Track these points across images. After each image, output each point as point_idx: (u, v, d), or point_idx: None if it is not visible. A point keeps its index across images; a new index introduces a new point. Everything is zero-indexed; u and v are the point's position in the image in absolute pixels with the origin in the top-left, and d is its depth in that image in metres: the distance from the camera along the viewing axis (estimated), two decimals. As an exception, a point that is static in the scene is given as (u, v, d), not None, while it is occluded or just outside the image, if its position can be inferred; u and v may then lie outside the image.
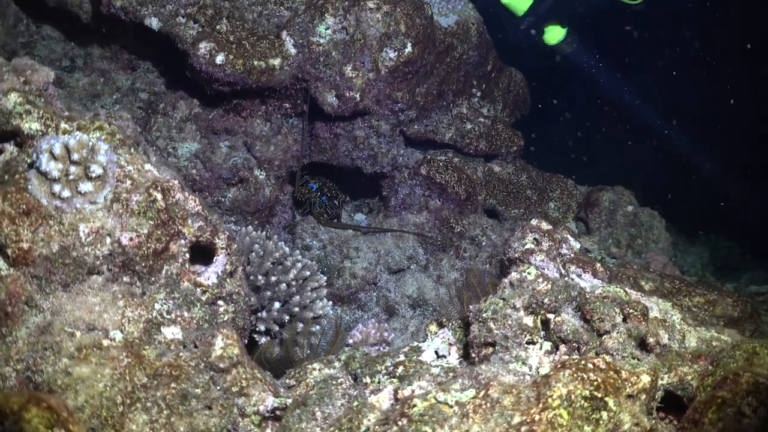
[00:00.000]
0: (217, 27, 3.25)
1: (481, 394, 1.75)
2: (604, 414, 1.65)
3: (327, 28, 3.31)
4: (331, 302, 2.89)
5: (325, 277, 2.95)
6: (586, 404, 1.65)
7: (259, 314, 2.64)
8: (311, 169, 3.84)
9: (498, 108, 4.16)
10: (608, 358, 1.88)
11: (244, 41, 3.24)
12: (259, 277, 2.69)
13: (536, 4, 3.49)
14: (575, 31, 3.89)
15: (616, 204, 3.94)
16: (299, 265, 2.86)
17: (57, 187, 2.09)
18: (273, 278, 2.71)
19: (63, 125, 2.30)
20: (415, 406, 1.74)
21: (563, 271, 2.55)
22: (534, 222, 2.72)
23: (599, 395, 1.67)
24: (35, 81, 2.39)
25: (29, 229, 1.97)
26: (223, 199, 3.45)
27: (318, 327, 2.72)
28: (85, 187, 2.13)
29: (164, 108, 3.58)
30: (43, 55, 4.10)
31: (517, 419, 1.64)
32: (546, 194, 3.97)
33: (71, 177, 2.11)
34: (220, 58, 3.11)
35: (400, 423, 1.70)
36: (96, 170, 2.15)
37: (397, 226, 3.76)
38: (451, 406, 1.75)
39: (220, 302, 2.36)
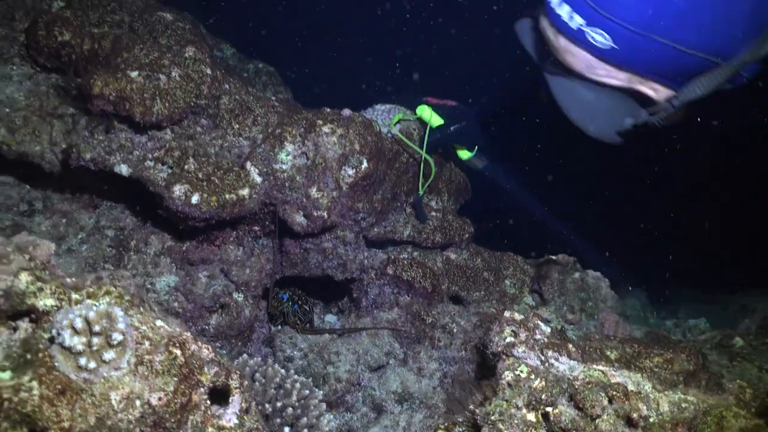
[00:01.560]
0: (185, 167, 3.46)
1: (510, 496, 2.00)
2: (618, 497, 1.93)
3: (288, 155, 3.59)
4: (331, 415, 3.06)
5: (321, 392, 3.14)
6: (601, 491, 1.92)
7: (273, 442, 2.79)
8: (284, 282, 4.04)
9: (444, 198, 4.53)
10: (606, 442, 2.17)
11: (212, 176, 3.46)
12: (267, 405, 2.84)
13: (444, 127, 3.95)
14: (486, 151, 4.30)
15: (564, 273, 4.35)
16: (297, 385, 3.03)
17: (83, 360, 2.22)
18: (279, 404, 2.87)
19: (74, 296, 2.44)
20: None
21: (543, 358, 2.87)
22: (507, 315, 3.04)
23: (610, 481, 1.95)
24: (39, 256, 2.52)
25: (67, 408, 2.08)
26: (207, 327, 3.58)
27: (327, 443, 2.89)
28: (109, 355, 2.27)
29: (136, 245, 3.72)
30: None
31: None
32: (500, 273, 4.33)
33: (94, 348, 2.25)
34: (195, 199, 3.31)
35: None
36: (117, 337, 2.29)
37: (371, 325, 4.00)
38: None
39: (243, 440, 2.50)
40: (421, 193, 3.94)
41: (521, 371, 2.48)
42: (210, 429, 2.42)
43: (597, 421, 2.30)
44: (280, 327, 4.05)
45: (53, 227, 4.02)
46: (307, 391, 3.01)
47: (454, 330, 3.95)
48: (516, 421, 2.30)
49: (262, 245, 3.82)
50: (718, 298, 6.28)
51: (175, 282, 3.59)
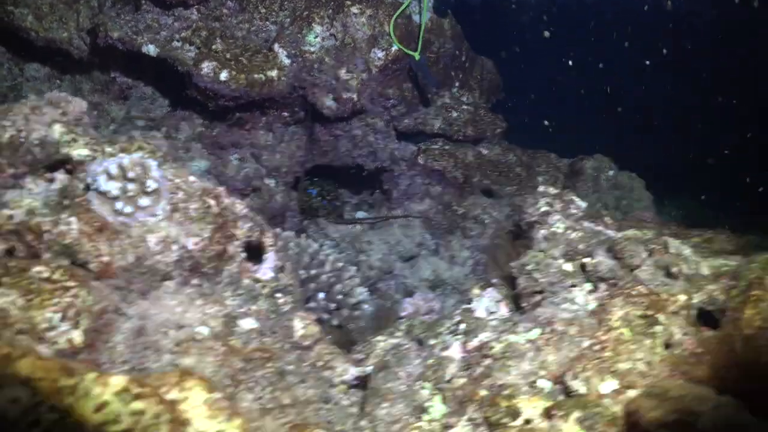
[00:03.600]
0: (213, 47, 3.41)
1: (547, 330, 1.99)
2: (658, 327, 1.90)
3: (316, 36, 3.51)
4: (366, 288, 3.07)
5: (355, 267, 3.15)
6: (641, 322, 1.90)
7: (307, 305, 2.81)
8: (314, 172, 4.02)
9: (476, 95, 4.43)
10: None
11: (240, 57, 3.41)
12: (301, 271, 2.86)
13: None
14: None
15: (598, 170, 4.25)
16: (332, 257, 3.04)
17: (119, 205, 2.22)
18: (313, 271, 2.88)
19: (108, 149, 2.43)
20: (492, 348, 1.95)
21: (578, 227, 2.82)
22: (541, 188, 2.98)
23: (650, 313, 1.93)
24: (71, 111, 2.52)
25: (106, 244, 2.10)
26: (238, 210, 3.59)
27: (361, 311, 2.90)
28: (144, 201, 2.27)
29: (167, 131, 3.71)
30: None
31: (586, 342, 1.88)
32: (533, 169, 4.25)
33: (130, 194, 2.25)
34: (223, 75, 3.26)
35: (484, 363, 1.91)
36: (151, 185, 2.29)
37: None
38: (523, 344, 1.98)
39: (278, 294, 2.51)
40: (417, 55, 3.77)
41: (558, 227, 2.44)
42: (246, 280, 2.43)
43: (636, 271, 2.26)
44: (310, 220, 4.05)
45: (84, 119, 4.03)
46: (341, 264, 3.02)
47: (486, 220, 3.92)
48: (552, 270, 2.27)
49: (292, 132, 3.79)
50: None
51: (207, 166, 3.58)
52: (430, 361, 2.10)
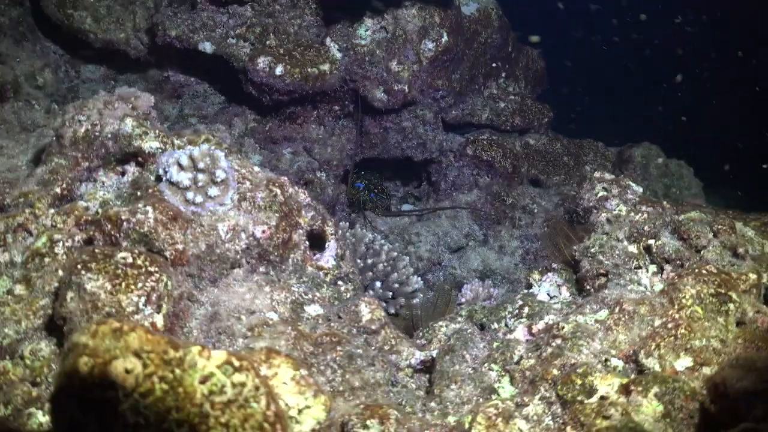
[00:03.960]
0: (267, 42, 3.48)
1: (616, 310, 1.99)
2: (731, 305, 1.89)
3: (367, 30, 3.55)
4: (420, 277, 3.11)
5: (408, 258, 3.18)
6: (714, 300, 1.89)
7: (366, 293, 2.85)
8: (364, 164, 4.07)
9: (521, 85, 4.42)
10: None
11: (293, 52, 3.47)
12: (358, 261, 2.91)
13: None
14: None
15: (647, 158, 4.21)
16: (386, 247, 3.08)
17: (190, 194, 2.30)
18: (369, 260, 2.93)
19: (176, 141, 2.52)
20: (563, 328, 1.97)
21: (639, 210, 2.80)
22: (598, 174, 2.97)
23: (723, 291, 1.92)
24: (140, 106, 2.61)
25: (180, 232, 2.17)
26: (292, 203, 3.66)
27: (417, 299, 2.94)
28: (214, 191, 2.34)
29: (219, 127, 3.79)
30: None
31: (658, 321, 1.88)
32: (581, 158, 4.23)
33: (200, 184, 2.32)
34: (279, 70, 3.33)
35: (554, 343, 1.92)
36: (220, 175, 2.36)
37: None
38: (592, 325, 1.99)
39: (340, 282, 2.57)
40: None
41: (620, 210, 2.44)
42: (309, 268, 2.49)
43: (702, 252, 2.25)
44: (358, 213, 4.10)
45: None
46: (395, 254, 3.06)
47: (535, 210, 3.91)
48: (617, 252, 2.28)
49: (342, 126, 3.84)
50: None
51: (260, 160, 3.66)
52: (496, 344, 2.12)
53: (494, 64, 4.25)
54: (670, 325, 1.82)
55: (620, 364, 1.81)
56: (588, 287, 2.31)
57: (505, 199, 3.97)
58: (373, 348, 2.16)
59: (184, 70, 3.95)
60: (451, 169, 4.01)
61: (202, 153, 2.38)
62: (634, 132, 5.02)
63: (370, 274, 2.89)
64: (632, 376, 1.73)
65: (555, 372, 1.80)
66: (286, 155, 3.64)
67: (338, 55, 3.54)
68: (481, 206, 3.98)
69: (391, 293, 2.89)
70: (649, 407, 1.52)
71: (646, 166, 4.21)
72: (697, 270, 1.99)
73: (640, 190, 3.00)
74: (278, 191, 2.42)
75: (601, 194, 2.84)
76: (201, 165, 2.36)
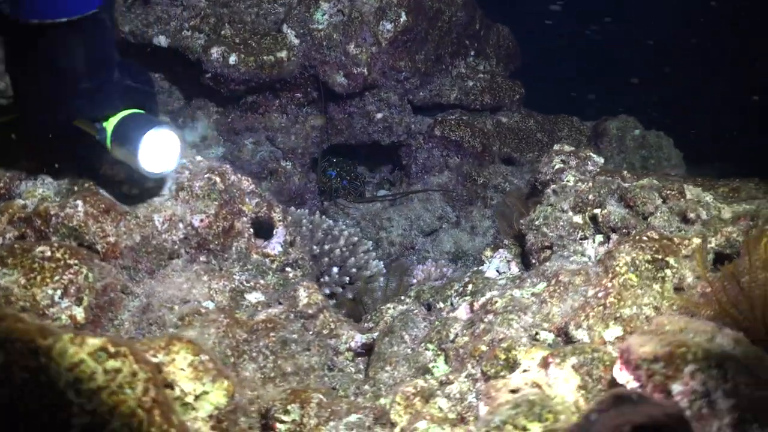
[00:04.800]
0: (222, 33, 3.43)
1: (553, 281, 1.93)
2: (668, 271, 1.82)
3: (324, 14, 3.49)
4: (381, 261, 3.05)
5: (371, 242, 3.13)
6: (650, 266, 1.82)
7: (321, 280, 2.81)
8: (331, 151, 4.02)
9: (492, 63, 4.34)
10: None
11: (249, 41, 3.42)
12: (314, 247, 2.86)
13: None
14: None
15: (624, 130, 4.11)
16: (346, 233, 3.03)
17: (125, 187, 2.27)
18: (326, 246, 2.88)
19: (114, 134, 2.47)
20: (496, 302, 1.91)
21: (589, 179, 2.72)
22: (557, 146, 2.89)
23: (660, 257, 1.84)
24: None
25: (112, 225, 2.14)
26: (257, 194, 3.62)
27: (377, 283, 2.89)
28: (150, 182, 2.31)
29: (183, 121, 3.76)
30: None
31: (591, 291, 1.81)
32: (555, 134, 4.14)
33: (136, 175, 2.28)
34: (232, 59, 3.28)
35: (486, 318, 1.86)
36: (156, 166, 2.32)
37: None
38: (527, 298, 1.93)
39: (288, 269, 2.53)
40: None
41: (568, 180, 2.36)
42: (255, 255, 2.45)
43: (650, 219, 2.17)
44: (330, 202, 4.05)
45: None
46: (356, 239, 3.01)
47: (508, 188, 3.84)
48: (561, 224, 2.21)
49: (306, 113, 3.79)
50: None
51: (223, 152, 3.62)
52: (436, 323, 2.07)
53: (466, 42, 4.17)
54: (600, 295, 1.75)
55: (551, 336, 1.75)
56: (533, 261, 2.24)
57: (476, 179, 3.90)
58: (310, 333, 2.12)
59: (146, 66, 3.91)
60: (421, 152, 3.95)
61: (136, 144, 2.34)
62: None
63: (327, 259, 2.84)
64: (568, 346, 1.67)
65: (483, 348, 1.74)
66: (248, 146, 3.60)
67: (295, 41, 3.49)
68: (453, 187, 3.92)
69: (348, 278, 2.84)
70: (566, 378, 1.46)
71: (622, 139, 4.11)
72: (637, 237, 1.92)
73: (602, 161, 2.91)
74: (218, 179, 2.38)
75: (558, 166, 2.76)
76: (136, 156, 2.32)
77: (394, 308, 2.35)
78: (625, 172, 2.80)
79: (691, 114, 7.34)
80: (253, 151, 3.60)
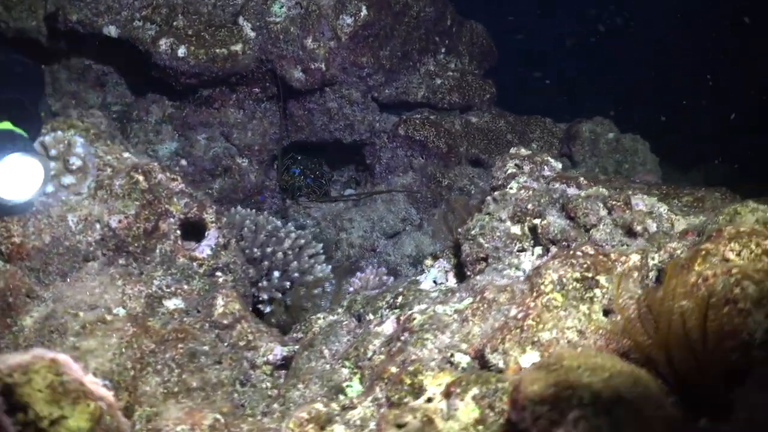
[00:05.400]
0: (174, 24, 3.30)
1: (478, 298, 1.79)
2: (598, 291, 1.68)
3: (281, 7, 3.36)
4: (329, 266, 2.92)
5: (321, 245, 3.00)
6: (578, 285, 1.68)
7: (260, 284, 2.68)
8: (292, 148, 3.88)
9: (465, 61, 4.20)
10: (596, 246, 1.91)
11: (203, 33, 3.29)
12: (255, 250, 2.73)
13: None
14: None
15: (597, 134, 3.98)
16: (293, 235, 2.90)
17: (38, 185, 2.13)
18: (269, 249, 2.75)
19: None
20: (414, 319, 1.78)
21: (533, 186, 2.58)
22: (513, 150, 2.75)
23: (590, 275, 1.71)
24: None
25: (19, 224, 2.02)
26: (210, 191, 3.49)
27: (320, 289, 2.76)
28: (68, 180, 2.18)
29: (138, 114, 3.63)
30: None
31: (513, 311, 1.68)
32: (526, 135, 4.01)
33: (51, 172, 2.16)
34: (181, 51, 3.15)
35: (402, 337, 1.73)
36: (75, 162, 2.19)
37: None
38: (450, 315, 1.79)
39: (218, 273, 2.40)
40: None
41: (510, 187, 2.23)
42: (181, 259, 2.32)
43: (592, 231, 2.03)
44: (293, 200, 3.92)
45: (63, 108, 3.99)
46: (303, 241, 2.88)
47: (473, 191, 3.70)
48: (498, 234, 2.07)
49: (265, 109, 3.65)
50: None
51: (176, 147, 3.49)
52: (358, 339, 1.94)
53: (436, 38, 4.03)
54: (520, 316, 1.62)
55: (466, 360, 1.61)
56: (468, 273, 2.10)
57: (441, 180, 3.77)
58: (225, 344, 1.99)
59: (102, 58, 3.79)
60: (385, 151, 3.82)
61: (55, 139, 2.21)
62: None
63: (267, 263, 2.71)
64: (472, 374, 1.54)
65: (393, 370, 1.61)
66: (201, 141, 3.47)
67: (251, 34, 3.35)
68: (417, 189, 3.78)
69: (289, 283, 2.71)
70: (465, 411, 1.33)
71: (595, 142, 3.97)
72: (570, 252, 1.78)
73: (559, 166, 2.77)
74: (141, 178, 2.25)
75: (510, 171, 2.62)
76: (53, 152, 2.19)
77: (324, 318, 2.22)
78: (582, 178, 2.65)
79: (690, 114, 7.21)
80: (206, 146, 3.47)
